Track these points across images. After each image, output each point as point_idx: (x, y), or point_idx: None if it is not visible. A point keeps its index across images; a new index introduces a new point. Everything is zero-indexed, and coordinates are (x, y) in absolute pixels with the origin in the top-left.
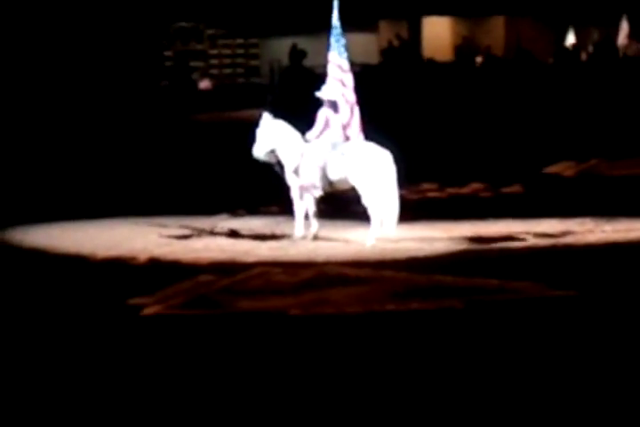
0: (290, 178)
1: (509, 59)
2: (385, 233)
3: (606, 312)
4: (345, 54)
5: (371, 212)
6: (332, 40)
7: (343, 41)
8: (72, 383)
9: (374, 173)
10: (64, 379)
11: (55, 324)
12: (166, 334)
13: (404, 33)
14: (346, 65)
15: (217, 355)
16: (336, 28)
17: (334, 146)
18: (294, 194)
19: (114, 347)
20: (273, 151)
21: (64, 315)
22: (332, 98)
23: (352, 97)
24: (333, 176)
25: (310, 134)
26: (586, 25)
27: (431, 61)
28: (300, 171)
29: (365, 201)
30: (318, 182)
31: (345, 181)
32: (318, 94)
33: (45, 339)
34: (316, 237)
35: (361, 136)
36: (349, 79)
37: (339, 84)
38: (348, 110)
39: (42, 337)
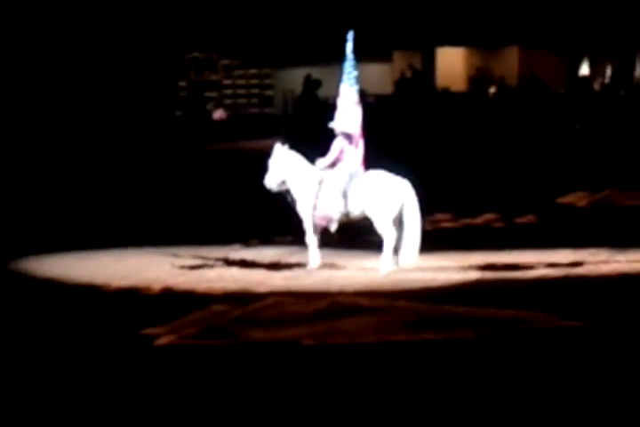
0: (302, 209)
1: (523, 88)
2: (408, 261)
3: (618, 344)
4: (356, 87)
5: (385, 242)
6: (345, 72)
7: (355, 73)
8: (85, 414)
9: (393, 202)
10: (76, 409)
11: (68, 354)
12: (179, 364)
13: (418, 63)
14: (355, 98)
15: (230, 385)
16: (349, 59)
17: (351, 177)
18: (307, 225)
19: (127, 377)
20: (284, 182)
21: (77, 345)
22: (346, 130)
23: (358, 130)
24: (352, 207)
25: (321, 162)
26: (600, 56)
27: (446, 92)
28: (318, 202)
29: (381, 230)
30: (336, 214)
31: (363, 211)
32: (332, 125)
33: (58, 369)
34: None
35: (361, 169)
36: (358, 112)
37: (348, 117)
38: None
39: (55, 367)
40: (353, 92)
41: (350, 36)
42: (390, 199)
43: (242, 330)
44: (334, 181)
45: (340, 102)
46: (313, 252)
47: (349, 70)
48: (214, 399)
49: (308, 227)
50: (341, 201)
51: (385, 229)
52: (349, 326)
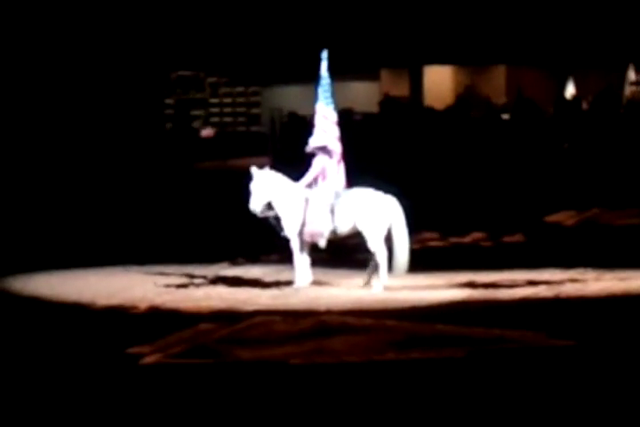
0: (289, 228)
1: (510, 108)
2: (398, 276)
3: (606, 363)
4: (332, 105)
5: (379, 258)
6: (320, 91)
7: (330, 92)
8: None
9: (383, 219)
10: None
11: (53, 373)
12: (165, 383)
13: (406, 81)
14: (332, 116)
15: (217, 405)
16: (324, 78)
17: (337, 194)
18: (294, 244)
19: (112, 396)
20: (270, 204)
21: (63, 364)
22: (322, 144)
23: (338, 148)
24: (340, 224)
25: (303, 181)
26: (587, 74)
27: (431, 110)
28: (307, 219)
29: (374, 248)
30: (325, 230)
31: (351, 228)
32: (308, 149)
33: (43, 388)
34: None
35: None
36: (335, 130)
37: (325, 135)
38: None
39: (40, 386)
40: (330, 111)
41: (324, 55)
42: (382, 216)
43: (228, 349)
44: (321, 198)
45: (318, 121)
46: (301, 270)
47: (325, 89)
48: (201, 419)
49: (296, 245)
50: (329, 218)
51: (378, 246)
52: (337, 345)
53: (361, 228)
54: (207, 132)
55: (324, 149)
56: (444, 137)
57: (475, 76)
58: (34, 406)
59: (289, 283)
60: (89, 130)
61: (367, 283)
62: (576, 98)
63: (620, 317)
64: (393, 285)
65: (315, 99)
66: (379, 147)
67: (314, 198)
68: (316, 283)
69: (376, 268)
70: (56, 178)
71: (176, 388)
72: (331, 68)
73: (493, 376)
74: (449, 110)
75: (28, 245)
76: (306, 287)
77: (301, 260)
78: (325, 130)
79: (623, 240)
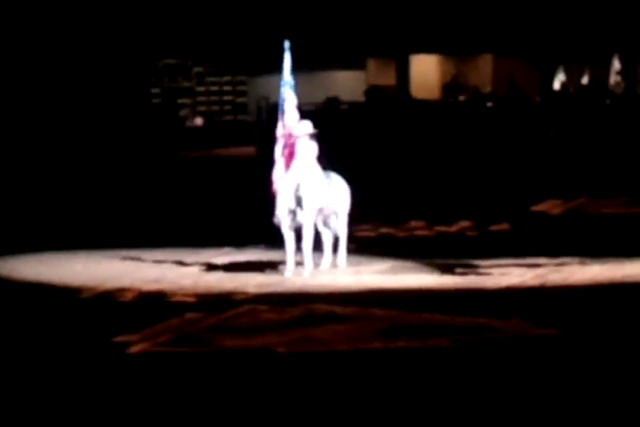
0: (310, 213)
1: (498, 96)
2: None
3: (592, 352)
4: (294, 92)
5: (341, 236)
6: (287, 79)
7: (292, 80)
8: (55, 422)
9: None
10: (47, 418)
11: (39, 361)
12: (152, 372)
13: (392, 71)
14: (295, 102)
15: (203, 393)
16: (288, 67)
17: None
18: (310, 229)
19: (99, 385)
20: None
21: (49, 351)
22: (312, 131)
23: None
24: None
25: (303, 169)
26: (574, 64)
27: (416, 100)
28: (326, 202)
29: (342, 227)
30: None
31: (328, 209)
32: (298, 137)
33: (28, 376)
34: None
35: None
36: (297, 113)
37: (307, 122)
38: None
39: (25, 374)
40: (294, 96)
41: (287, 45)
42: (347, 197)
43: (215, 338)
44: (319, 180)
45: (288, 108)
46: (310, 255)
47: (290, 77)
48: (187, 408)
49: (311, 230)
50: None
51: (345, 226)
52: (323, 334)
53: (337, 209)
54: (196, 121)
55: (311, 136)
56: (431, 126)
57: (461, 66)
58: (19, 395)
59: (276, 272)
60: (76, 118)
61: (334, 262)
62: (564, 86)
63: (605, 305)
64: (380, 274)
65: (291, 88)
66: (365, 136)
67: (316, 181)
68: (300, 272)
69: (335, 247)
70: (45, 165)
71: (163, 377)
72: (304, 58)
73: (479, 365)
74: (439, 101)
75: (16, 231)
76: (296, 274)
77: (311, 245)
78: (294, 114)
79: (609, 229)
